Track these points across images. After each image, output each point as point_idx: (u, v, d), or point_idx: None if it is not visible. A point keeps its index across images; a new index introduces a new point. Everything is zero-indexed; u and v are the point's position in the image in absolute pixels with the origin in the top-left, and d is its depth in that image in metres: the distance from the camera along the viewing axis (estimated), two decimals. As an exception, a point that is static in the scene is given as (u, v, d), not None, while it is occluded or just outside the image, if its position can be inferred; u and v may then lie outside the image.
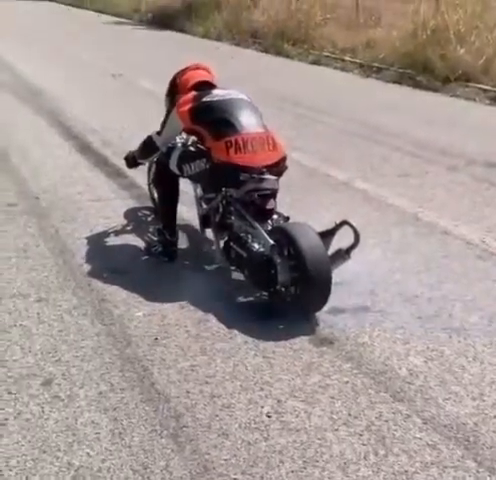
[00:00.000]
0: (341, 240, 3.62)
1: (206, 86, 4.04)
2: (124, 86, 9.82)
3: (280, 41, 13.29)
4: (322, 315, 3.49)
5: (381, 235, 4.50)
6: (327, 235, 3.59)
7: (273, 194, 3.68)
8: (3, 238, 4.46)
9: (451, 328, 3.42)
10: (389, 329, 3.41)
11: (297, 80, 10.36)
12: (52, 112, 8.05)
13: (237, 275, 3.76)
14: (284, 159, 3.80)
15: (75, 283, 3.85)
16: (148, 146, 4.14)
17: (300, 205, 4.82)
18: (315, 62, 12.21)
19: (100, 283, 3.84)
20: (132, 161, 4.45)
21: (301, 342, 3.29)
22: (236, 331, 3.37)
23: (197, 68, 4.24)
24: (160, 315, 3.53)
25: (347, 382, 2.98)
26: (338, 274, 3.63)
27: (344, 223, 3.58)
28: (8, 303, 3.63)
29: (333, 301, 3.54)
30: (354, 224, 3.54)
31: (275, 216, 3.72)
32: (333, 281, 3.45)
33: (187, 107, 3.84)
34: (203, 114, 3.80)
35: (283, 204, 3.96)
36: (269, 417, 2.76)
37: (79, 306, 3.60)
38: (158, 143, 4.04)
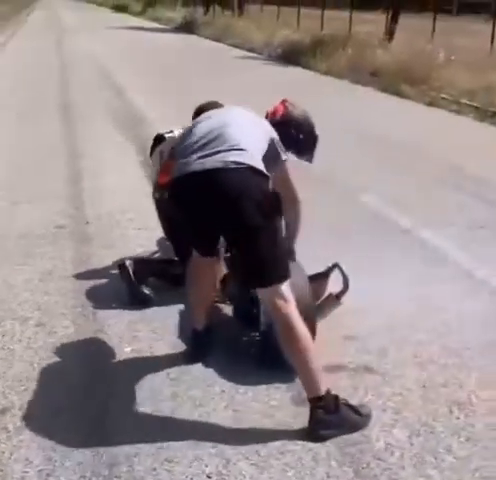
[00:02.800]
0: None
1: None
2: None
3: (399, 80, 12.99)
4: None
5: (422, 288, 4.17)
6: (321, 278, 3.36)
7: None
8: (38, 259, 4.49)
9: (455, 402, 3.07)
10: (384, 395, 3.10)
11: (402, 120, 10.02)
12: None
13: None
14: None
15: (81, 310, 3.79)
16: None
17: (343, 249, 4.58)
18: (431, 103, 11.80)
19: (105, 313, 3.75)
20: None
21: (281, 399, 3.04)
22: (218, 378, 3.17)
23: None
24: (148, 353, 3.38)
25: (310, 450, 2.71)
26: (353, 328, 3.51)
27: (335, 266, 3.33)
28: (7, 325, 3.61)
29: (334, 356, 3.30)
30: (343, 268, 3.29)
31: None
32: (346, 334, 3.33)
33: None
34: None
35: (327, 245, 4.01)
36: (209, 478, 2.54)
37: (72, 335, 3.52)
38: None
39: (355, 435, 2.79)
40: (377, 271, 4.42)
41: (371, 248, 4.87)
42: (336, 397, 2.76)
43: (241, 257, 2.80)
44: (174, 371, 3.22)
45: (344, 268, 3.38)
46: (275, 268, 2.72)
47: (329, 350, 3.44)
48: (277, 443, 2.73)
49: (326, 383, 2.80)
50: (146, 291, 3.85)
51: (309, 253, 4.26)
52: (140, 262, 3.92)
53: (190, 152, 2.78)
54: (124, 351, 3.39)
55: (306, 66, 16.40)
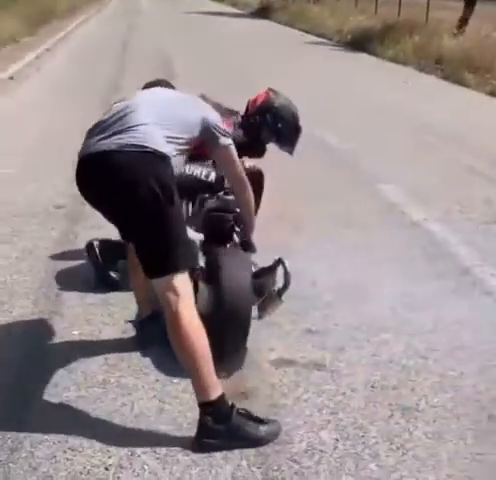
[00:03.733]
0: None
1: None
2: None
3: (462, 68, 12.51)
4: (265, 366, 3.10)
5: (409, 284, 3.96)
6: (268, 272, 3.19)
7: None
8: (22, 238, 4.47)
9: (401, 406, 2.86)
10: (326, 393, 2.93)
11: (455, 109, 9.62)
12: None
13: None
14: None
15: (45, 291, 3.74)
16: None
17: (342, 237, 4.46)
18: (491, 93, 11.32)
19: (69, 295, 3.69)
20: None
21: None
22: (156, 367, 3.05)
23: None
24: (95, 337, 3.31)
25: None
26: (320, 322, 3.48)
27: (280, 262, 3.16)
28: (-34, 301, 3.60)
29: (288, 351, 3.26)
30: (287, 264, 3.11)
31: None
32: (309, 328, 3.34)
33: None
34: None
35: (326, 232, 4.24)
36: (106, 470, 2.43)
37: (27, 315, 3.47)
38: None
39: (281, 436, 2.63)
40: (368, 263, 4.23)
41: (372, 239, 4.67)
42: (231, 406, 2.56)
43: (133, 245, 2.67)
44: (114, 357, 3.13)
45: (287, 264, 3.18)
46: (165, 258, 2.52)
47: (285, 344, 3.32)
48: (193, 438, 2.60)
49: (236, 387, 2.72)
50: (113, 274, 3.76)
51: (307, 238, 4.12)
52: (109, 244, 3.82)
53: (94, 134, 2.66)
54: (71, 334, 3.32)
55: (372, 52, 16.09)
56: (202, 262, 3.15)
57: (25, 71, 11.66)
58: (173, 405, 2.79)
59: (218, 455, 2.52)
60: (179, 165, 2.77)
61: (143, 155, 2.53)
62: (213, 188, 3.44)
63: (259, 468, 2.47)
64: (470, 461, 2.55)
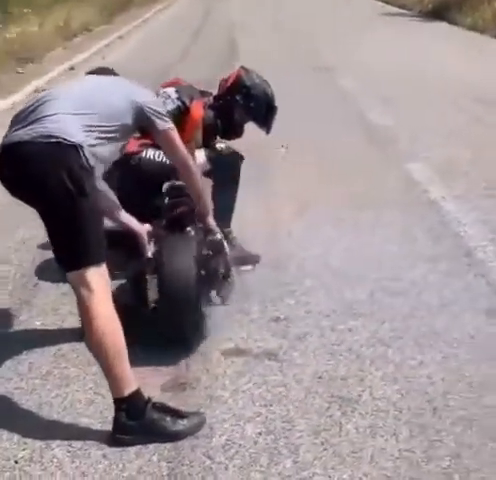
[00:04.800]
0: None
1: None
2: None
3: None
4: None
5: (401, 267, 3.79)
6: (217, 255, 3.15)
7: None
8: (24, 227, 4.40)
9: (342, 398, 2.73)
10: (267, 384, 2.82)
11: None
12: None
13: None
14: None
15: (26, 281, 3.80)
16: None
17: (347, 224, 4.34)
18: None
19: (47, 285, 3.72)
20: None
21: (154, 382, 2.82)
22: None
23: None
24: (56, 326, 3.33)
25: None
26: (289, 310, 3.41)
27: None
28: None
29: (247, 340, 3.18)
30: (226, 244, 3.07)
31: None
32: (276, 316, 3.31)
33: None
34: None
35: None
36: (16, 463, 2.43)
37: (-1, 305, 3.53)
38: None
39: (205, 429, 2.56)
40: (365, 245, 4.08)
41: (381, 220, 4.48)
42: (146, 401, 2.51)
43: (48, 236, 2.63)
44: (67, 348, 3.13)
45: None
46: (77, 252, 2.48)
47: (245, 333, 3.23)
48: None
49: (176, 377, 2.74)
50: None
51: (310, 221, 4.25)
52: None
53: (13, 124, 2.62)
54: (34, 324, 3.35)
55: (452, 21, 15.55)
56: (150, 253, 3.11)
57: (91, 59, 11.85)
58: (106, 398, 2.73)
59: (132, 450, 2.47)
60: (111, 154, 2.71)
61: (53, 146, 2.48)
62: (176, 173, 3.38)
63: (169, 463, 2.41)
64: (395, 459, 2.40)
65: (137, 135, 3.26)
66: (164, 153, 3.13)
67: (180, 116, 3.46)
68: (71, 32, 13.83)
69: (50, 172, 2.46)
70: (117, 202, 3.09)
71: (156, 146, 3.30)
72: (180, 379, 2.88)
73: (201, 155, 3.60)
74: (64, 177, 2.44)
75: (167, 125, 2.82)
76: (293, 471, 2.35)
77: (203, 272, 3.07)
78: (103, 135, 2.62)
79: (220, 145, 3.63)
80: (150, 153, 3.46)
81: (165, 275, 2.95)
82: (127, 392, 2.49)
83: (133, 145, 3.34)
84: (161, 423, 2.51)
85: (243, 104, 3.64)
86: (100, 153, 2.61)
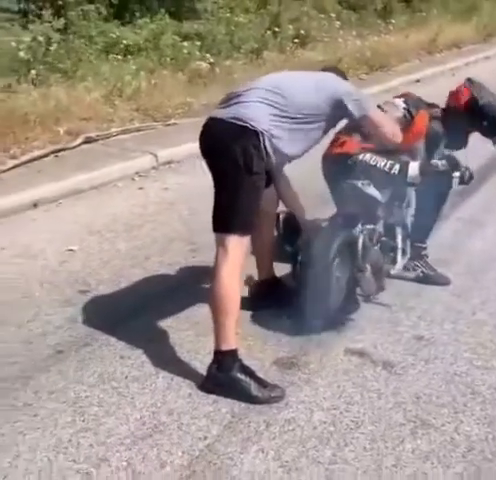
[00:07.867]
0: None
1: None
2: None
3: None
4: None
5: None
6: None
7: None
8: None
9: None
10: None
11: None
12: None
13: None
14: None
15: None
16: None
17: None
18: None
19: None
20: None
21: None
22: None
23: None
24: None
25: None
26: None
27: None
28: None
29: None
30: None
31: None
32: None
33: None
34: None
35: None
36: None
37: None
38: None
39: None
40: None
41: None
42: (236, 360, 2.88)
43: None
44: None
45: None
46: (225, 218, 2.89)
47: (382, 340, 3.38)
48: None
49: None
50: (287, 248, 3.97)
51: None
52: (291, 220, 4.02)
53: (222, 101, 3.13)
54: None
55: None
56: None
57: (439, 74, 12.02)
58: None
59: (212, 397, 2.86)
60: (292, 149, 3.06)
61: (238, 127, 2.94)
62: (396, 181, 3.59)
63: (233, 417, 2.75)
64: None
65: (358, 138, 3.57)
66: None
67: (404, 124, 3.64)
68: (437, 47, 14.11)
69: (229, 147, 2.93)
70: (296, 193, 3.43)
71: (376, 151, 3.55)
72: (292, 358, 3.19)
73: (414, 167, 3.65)
74: (238, 154, 2.90)
75: (362, 113, 3.13)
76: (325, 460, 2.53)
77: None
78: (289, 126, 2.99)
79: (436, 161, 3.70)
80: (367, 157, 3.63)
81: (307, 260, 3.32)
82: (225, 348, 2.89)
83: (354, 146, 3.61)
84: (244, 384, 2.87)
85: (476, 123, 3.78)
86: (280, 148, 2.99)
